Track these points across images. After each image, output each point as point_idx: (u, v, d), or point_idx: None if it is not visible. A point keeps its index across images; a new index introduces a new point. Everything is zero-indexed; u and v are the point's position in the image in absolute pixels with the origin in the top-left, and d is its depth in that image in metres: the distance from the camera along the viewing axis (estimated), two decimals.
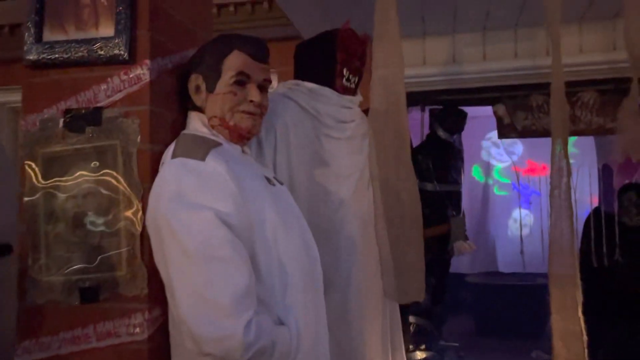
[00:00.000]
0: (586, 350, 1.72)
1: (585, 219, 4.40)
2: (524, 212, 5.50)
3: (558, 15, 1.03)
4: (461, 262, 5.30)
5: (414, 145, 4.33)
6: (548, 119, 3.75)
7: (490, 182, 5.65)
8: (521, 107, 3.77)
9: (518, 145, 5.62)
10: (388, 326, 1.62)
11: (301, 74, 1.60)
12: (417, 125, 4.38)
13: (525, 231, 5.44)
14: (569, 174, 0.97)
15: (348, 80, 1.55)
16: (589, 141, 4.93)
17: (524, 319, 4.31)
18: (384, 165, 1.14)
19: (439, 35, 3.30)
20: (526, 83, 3.45)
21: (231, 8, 3.05)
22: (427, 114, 4.31)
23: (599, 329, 3.88)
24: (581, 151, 5.33)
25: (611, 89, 3.42)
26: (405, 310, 2.75)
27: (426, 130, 4.24)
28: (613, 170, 4.97)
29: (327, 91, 1.53)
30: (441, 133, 4.03)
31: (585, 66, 3.01)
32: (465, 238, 2.58)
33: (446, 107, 3.96)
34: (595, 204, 5.33)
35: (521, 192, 5.52)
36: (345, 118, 1.55)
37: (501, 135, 3.97)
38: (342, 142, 1.52)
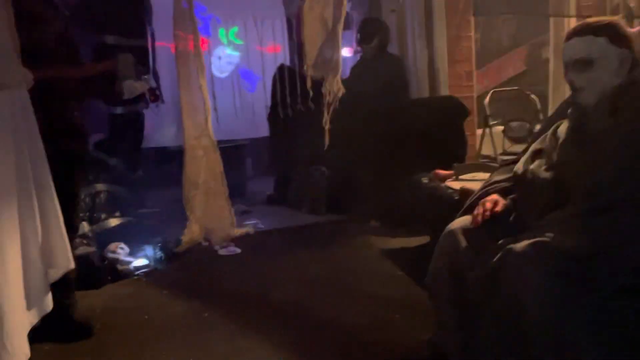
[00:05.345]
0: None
1: (272, 76, 4.25)
2: None
3: None
4: (165, 136, 4.96)
5: None
6: None
7: None
8: None
9: None
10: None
11: None
12: None
13: None
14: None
15: None
16: None
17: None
18: None
19: None
20: None
21: None
22: None
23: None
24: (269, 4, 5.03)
25: None
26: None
27: None
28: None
29: None
30: None
31: None
32: (138, 77, 2.26)
33: None
34: (280, 55, 5.11)
35: None
36: None
37: None
38: None
